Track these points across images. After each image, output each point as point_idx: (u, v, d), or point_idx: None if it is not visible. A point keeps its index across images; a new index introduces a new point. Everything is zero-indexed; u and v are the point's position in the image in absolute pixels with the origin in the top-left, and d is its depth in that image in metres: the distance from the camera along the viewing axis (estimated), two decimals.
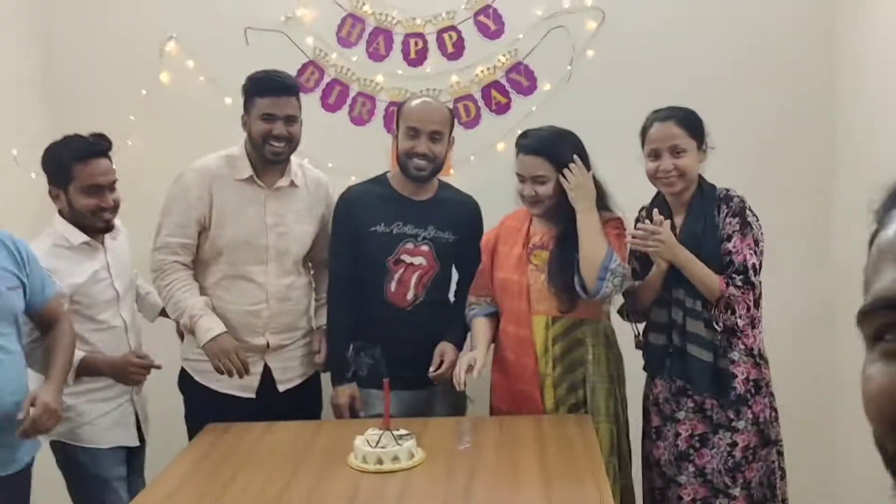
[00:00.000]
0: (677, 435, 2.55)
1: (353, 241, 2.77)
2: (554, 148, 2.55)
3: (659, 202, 2.61)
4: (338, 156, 3.40)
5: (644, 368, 2.69)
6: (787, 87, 3.34)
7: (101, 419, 2.61)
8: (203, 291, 2.75)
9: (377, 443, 2.26)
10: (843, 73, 3.26)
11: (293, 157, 2.83)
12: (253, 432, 2.57)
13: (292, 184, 2.81)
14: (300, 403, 2.88)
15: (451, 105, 3.40)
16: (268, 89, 2.66)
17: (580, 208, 2.51)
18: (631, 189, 2.67)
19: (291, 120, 2.71)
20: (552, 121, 3.28)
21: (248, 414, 2.69)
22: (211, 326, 2.65)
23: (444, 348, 2.71)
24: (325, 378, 2.99)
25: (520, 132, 2.75)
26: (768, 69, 3.34)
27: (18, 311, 2.29)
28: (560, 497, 2.09)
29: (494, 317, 2.72)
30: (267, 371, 2.81)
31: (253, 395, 2.79)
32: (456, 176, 3.37)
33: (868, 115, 3.06)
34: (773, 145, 3.36)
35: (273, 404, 2.78)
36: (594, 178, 2.58)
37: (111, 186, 2.55)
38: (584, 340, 2.60)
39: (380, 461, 2.23)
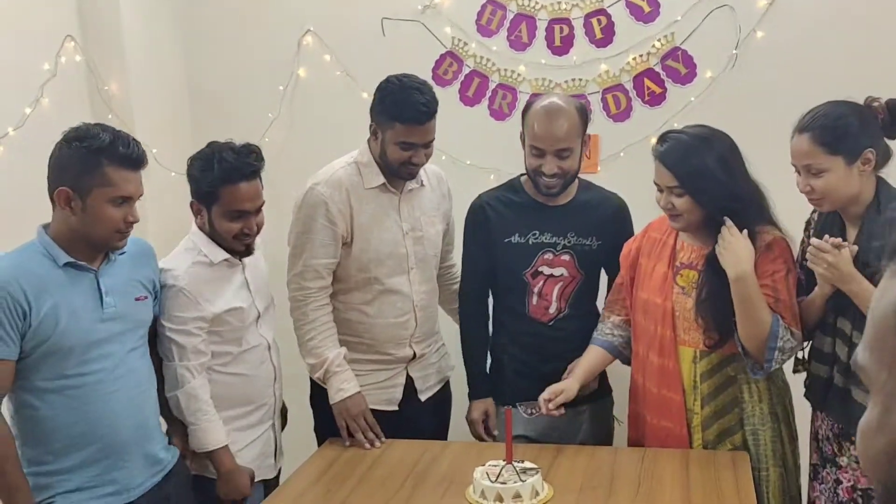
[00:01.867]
0: (838, 482, 2.18)
1: (486, 254, 2.57)
2: (687, 160, 2.17)
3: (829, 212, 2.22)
4: (477, 152, 3.24)
5: (805, 396, 2.32)
6: None
7: (246, 451, 2.42)
8: (345, 308, 2.63)
9: (497, 477, 2.05)
10: None
11: None
12: (372, 451, 2.44)
13: (421, 183, 2.65)
14: (437, 411, 2.77)
15: (599, 95, 3.15)
16: (410, 118, 2.42)
17: (732, 276, 2.13)
18: (801, 198, 2.24)
19: (429, 144, 2.52)
20: (714, 113, 2.96)
21: (388, 426, 2.58)
22: (342, 387, 2.52)
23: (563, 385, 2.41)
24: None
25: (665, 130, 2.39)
26: None
27: (146, 324, 2.22)
28: None
29: (614, 350, 2.43)
30: (409, 381, 2.69)
31: (396, 408, 2.67)
32: (604, 174, 3.11)
33: None
34: None
35: (413, 414, 2.67)
36: (754, 184, 2.22)
37: (257, 210, 2.36)
38: (736, 378, 2.26)
39: (500, 498, 2.03)
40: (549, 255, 2.52)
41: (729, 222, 2.16)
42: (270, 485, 2.52)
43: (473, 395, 2.61)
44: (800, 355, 2.32)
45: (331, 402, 2.53)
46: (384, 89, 2.48)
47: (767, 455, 2.25)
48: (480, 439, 2.57)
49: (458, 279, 2.75)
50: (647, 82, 3.12)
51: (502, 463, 2.12)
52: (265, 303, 2.48)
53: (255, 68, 3.40)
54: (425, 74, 3.21)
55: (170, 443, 2.28)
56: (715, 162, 2.16)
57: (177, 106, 3.43)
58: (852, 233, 2.13)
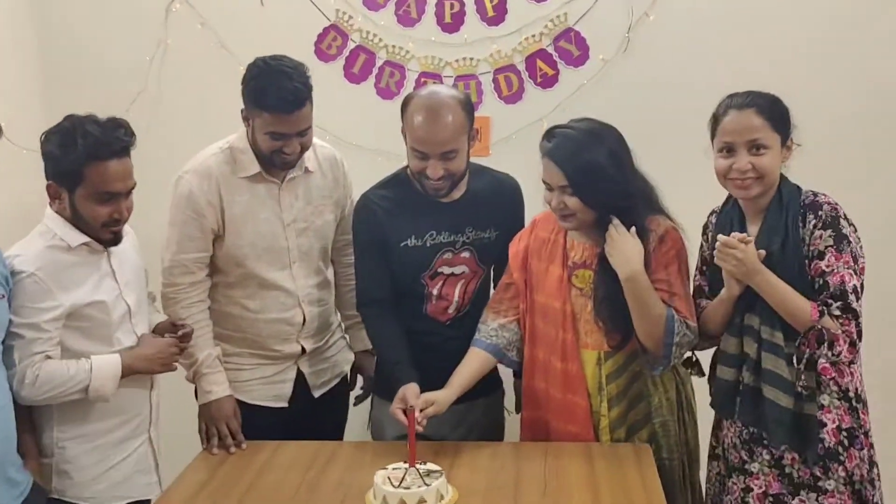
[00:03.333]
0: (747, 490, 2.13)
1: (381, 259, 2.37)
2: (578, 158, 2.06)
3: (731, 206, 2.19)
4: (363, 133, 3.08)
5: (711, 406, 2.27)
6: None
7: (115, 470, 2.16)
8: (226, 301, 2.44)
9: (400, 482, 1.92)
10: None
11: None
12: (260, 454, 2.24)
13: (306, 170, 2.44)
14: (332, 408, 2.62)
15: (490, 76, 3.04)
16: (275, 107, 2.20)
17: (622, 277, 2.06)
18: (696, 187, 2.21)
19: (304, 133, 2.30)
20: (606, 97, 2.94)
21: (278, 424, 2.43)
22: (210, 389, 2.36)
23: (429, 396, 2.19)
24: None
25: (546, 127, 2.22)
26: (866, 45, 2.90)
27: (4, 328, 1.93)
28: None
29: (498, 352, 2.30)
30: (300, 377, 2.52)
31: (285, 405, 2.50)
32: (495, 157, 3.00)
33: None
34: (872, 140, 2.93)
35: (305, 411, 2.51)
36: (642, 177, 2.15)
37: (128, 193, 2.09)
38: (641, 372, 2.20)
39: None
40: (448, 255, 2.38)
41: (616, 221, 2.08)
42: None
43: (399, 383, 2.24)
44: (692, 357, 2.30)
45: (198, 403, 2.37)
46: (250, 73, 2.26)
47: (676, 443, 2.21)
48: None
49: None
50: (540, 63, 3.04)
51: (404, 466, 1.98)
52: (137, 296, 2.21)
53: (118, 37, 3.10)
54: (307, 49, 3.05)
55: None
56: (606, 158, 2.07)
57: (26, 74, 3.06)
58: (752, 229, 2.10)
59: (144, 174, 2.42)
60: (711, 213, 2.27)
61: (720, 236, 2.04)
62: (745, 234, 2.02)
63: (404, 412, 2.10)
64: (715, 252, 2.05)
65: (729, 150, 2.06)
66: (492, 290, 2.46)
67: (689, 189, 2.25)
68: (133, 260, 2.25)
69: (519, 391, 2.52)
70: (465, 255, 2.39)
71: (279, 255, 2.41)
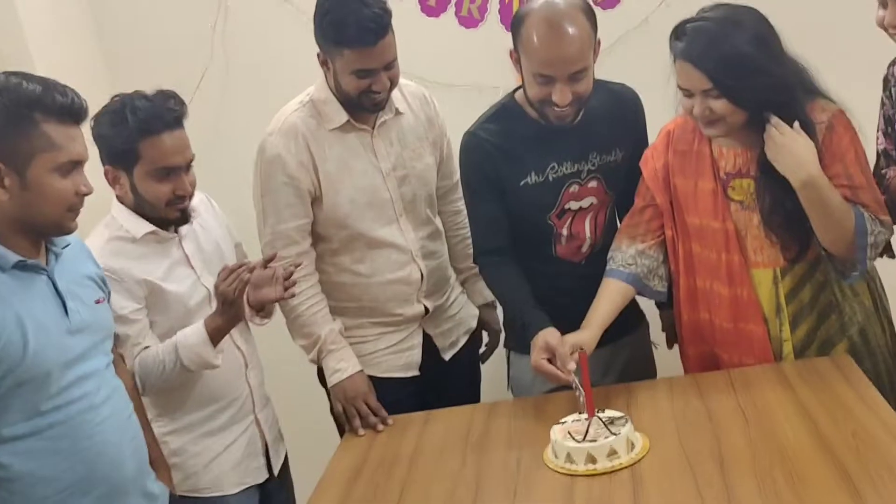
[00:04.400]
0: None
1: (499, 203, 2.10)
2: (719, 53, 1.76)
3: None
4: (450, 70, 2.80)
5: None
6: None
7: (224, 457, 2.05)
8: (335, 270, 2.24)
9: (585, 435, 1.67)
10: None
11: None
12: (410, 428, 2.02)
13: (397, 112, 2.21)
14: (464, 369, 2.43)
15: None
16: (358, 39, 1.98)
17: (797, 184, 1.77)
18: (860, 56, 1.91)
19: (392, 65, 2.07)
20: None
21: (412, 394, 2.25)
22: (339, 367, 2.17)
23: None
24: None
25: (674, 21, 1.87)
26: None
27: (111, 332, 1.76)
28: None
29: (637, 282, 2.03)
30: (427, 340, 2.32)
31: (417, 373, 2.31)
32: (599, 74, 2.69)
33: None
34: None
35: (439, 377, 2.32)
36: (794, 60, 1.83)
37: (188, 166, 1.94)
38: (827, 280, 1.91)
39: (592, 460, 1.65)
40: (574, 188, 2.10)
41: (775, 120, 1.78)
42: (270, 490, 2.13)
43: (533, 330, 1.98)
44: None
45: (328, 385, 2.18)
46: (321, 7, 2.03)
47: (879, 349, 1.93)
48: (556, 380, 1.95)
49: (468, 231, 2.29)
50: None
51: (583, 417, 1.74)
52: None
53: (176, 5, 2.87)
54: None
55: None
56: (752, 47, 1.76)
57: (86, 59, 2.85)
58: None
59: (223, 149, 2.23)
60: (892, 64, 1.94)
61: None
62: None
63: (550, 362, 1.87)
64: None
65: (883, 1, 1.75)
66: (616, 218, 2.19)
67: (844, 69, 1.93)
68: (216, 238, 2.08)
69: (670, 323, 2.26)
70: (593, 184, 2.11)
71: (383, 209, 2.19)
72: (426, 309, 2.28)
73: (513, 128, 2.08)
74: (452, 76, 2.79)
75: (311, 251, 2.20)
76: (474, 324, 2.46)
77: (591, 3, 1.99)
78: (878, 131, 1.97)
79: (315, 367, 2.27)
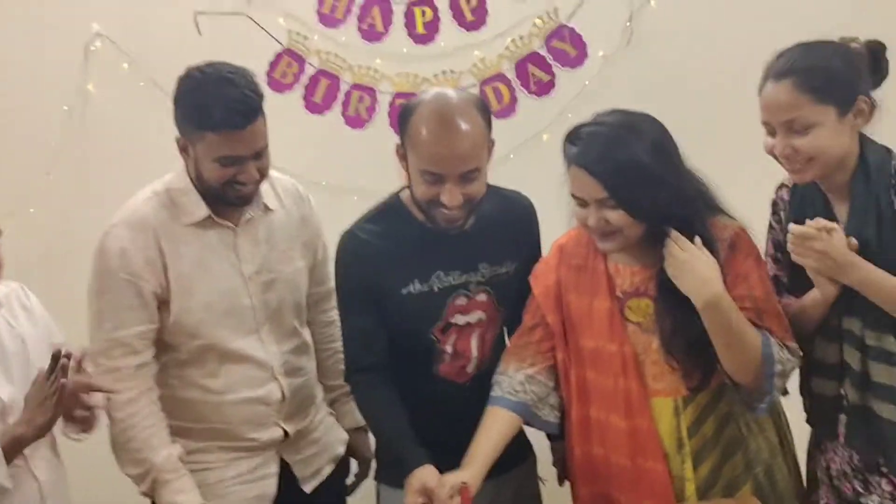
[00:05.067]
0: None
1: (375, 313, 1.86)
2: (615, 160, 1.61)
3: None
4: (333, 170, 2.64)
5: (809, 423, 1.83)
6: None
7: None
8: (181, 384, 1.94)
9: None
10: None
11: None
12: None
13: (266, 208, 1.97)
14: (328, 502, 2.13)
15: (477, 88, 2.64)
16: (223, 122, 1.76)
17: (700, 304, 1.59)
18: (739, 186, 1.77)
19: (260, 155, 1.84)
20: (613, 99, 2.51)
21: None
22: (176, 499, 1.87)
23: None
24: None
25: (568, 129, 1.72)
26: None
27: None
28: None
29: (527, 412, 1.81)
30: (285, 468, 2.02)
31: None
32: (492, 181, 2.54)
33: None
34: None
35: None
36: (694, 173, 1.70)
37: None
38: (732, 412, 1.73)
39: None
40: (461, 301, 1.88)
41: (675, 234, 1.62)
42: None
43: (408, 467, 1.77)
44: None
45: None
46: (184, 86, 1.81)
47: (787, 490, 1.76)
48: None
49: (341, 345, 2.01)
50: (532, 68, 2.64)
51: None
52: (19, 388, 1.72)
53: (29, 85, 2.63)
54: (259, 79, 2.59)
55: None
56: (651, 156, 1.61)
57: None
58: (841, 209, 1.68)
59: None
60: (780, 187, 1.83)
61: (792, 226, 1.61)
62: (824, 220, 1.60)
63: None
64: (789, 247, 1.62)
65: (770, 128, 1.66)
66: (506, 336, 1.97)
67: (733, 188, 1.79)
68: (23, 335, 1.81)
69: (560, 456, 2.02)
70: (482, 297, 1.89)
71: (242, 317, 1.91)
72: (285, 433, 1.99)
73: (397, 229, 1.87)
74: (335, 178, 2.61)
75: (153, 363, 1.90)
76: (342, 450, 2.16)
77: (482, 100, 1.83)
78: (766, 257, 1.84)
79: None
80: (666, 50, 2.60)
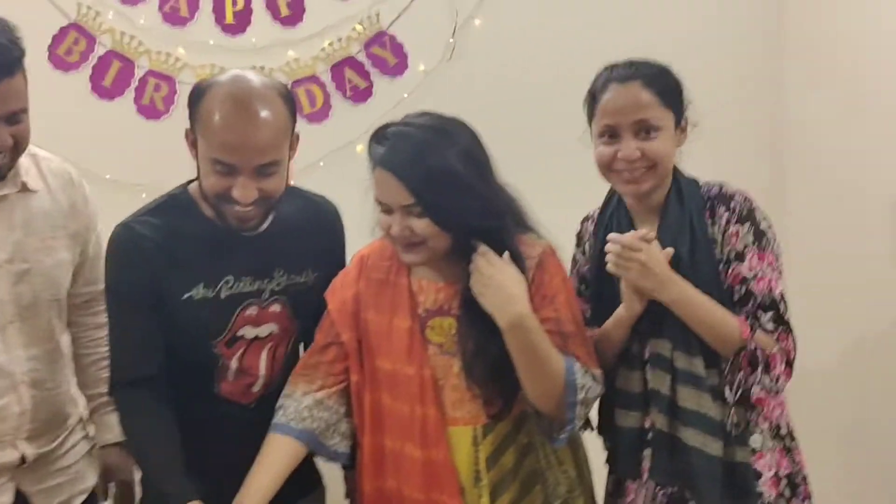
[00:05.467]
0: None
1: (150, 319, 1.64)
2: (424, 165, 1.50)
3: (614, 208, 1.74)
4: (120, 163, 2.37)
5: (608, 463, 1.78)
6: (728, 76, 2.62)
7: None
8: None
9: None
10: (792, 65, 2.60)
11: None
12: None
13: (25, 188, 1.70)
14: None
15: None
16: None
17: (504, 323, 1.51)
18: (547, 204, 1.71)
19: (16, 118, 1.60)
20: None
21: None
22: None
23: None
24: None
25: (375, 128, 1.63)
26: (708, 51, 2.59)
27: None
28: None
29: (313, 440, 1.66)
30: (20, 500, 1.72)
31: None
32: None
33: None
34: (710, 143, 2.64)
35: None
36: (504, 186, 1.64)
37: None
38: (532, 443, 1.65)
39: None
40: (252, 311, 1.69)
41: (483, 248, 1.54)
42: None
43: (179, 501, 1.57)
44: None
45: None
46: None
47: None
48: None
49: (108, 351, 1.76)
50: (350, 73, 2.49)
51: None
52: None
53: None
54: (39, 55, 2.30)
55: None
56: (462, 163, 1.51)
57: None
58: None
59: None
60: (585, 220, 1.81)
61: (613, 235, 1.57)
62: (646, 230, 1.57)
63: None
64: (609, 258, 1.57)
65: (612, 134, 1.62)
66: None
67: (548, 210, 1.75)
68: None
69: (351, 486, 1.87)
70: (276, 308, 1.71)
71: None
72: (23, 458, 1.71)
73: (181, 226, 1.64)
74: (122, 172, 2.35)
75: None
76: (92, 483, 1.89)
77: (289, 89, 1.65)
78: None
79: None
80: (487, 69, 2.54)
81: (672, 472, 1.62)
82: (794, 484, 1.63)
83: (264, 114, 1.52)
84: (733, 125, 2.58)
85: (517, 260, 1.54)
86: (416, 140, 1.51)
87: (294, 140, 1.64)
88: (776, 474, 1.61)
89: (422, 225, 1.51)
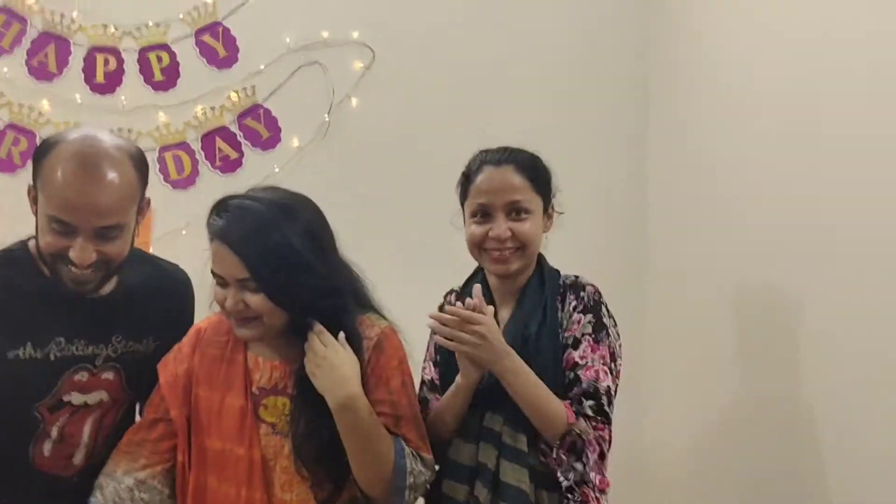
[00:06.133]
0: None
1: None
2: (263, 241, 1.49)
3: (479, 282, 1.76)
4: None
5: None
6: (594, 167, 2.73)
7: None
8: None
9: None
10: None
11: None
12: None
13: None
14: None
15: (156, 154, 2.41)
16: None
17: (334, 405, 1.49)
18: (408, 284, 1.80)
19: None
20: (301, 189, 2.44)
21: None
22: None
23: None
24: None
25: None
26: (576, 116, 2.70)
27: None
28: None
29: None
30: None
31: None
32: (160, 255, 2.31)
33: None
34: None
35: None
36: (346, 263, 1.63)
37: None
38: None
39: None
40: (82, 376, 1.62)
41: (318, 328, 1.53)
42: None
43: None
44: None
45: None
46: None
47: None
48: None
49: None
50: (220, 143, 2.47)
51: None
52: None
53: None
54: None
55: None
56: (302, 240, 1.51)
57: None
58: (503, 314, 1.71)
59: None
60: (450, 293, 1.83)
61: (451, 308, 1.58)
62: (479, 298, 1.58)
63: None
64: (445, 330, 1.57)
65: (484, 213, 1.67)
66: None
67: (416, 286, 1.78)
68: None
69: None
70: (109, 375, 1.64)
71: None
72: None
73: (14, 281, 1.57)
74: None
75: None
76: None
77: (141, 152, 1.61)
78: (425, 361, 1.81)
79: None
80: (361, 148, 2.56)
81: None
82: None
83: (110, 175, 1.49)
84: (597, 214, 2.67)
85: (353, 340, 1.54)
86: (255, 214, 1.49)
87: (145, 205, 1.61)
88: None
89: (256, 300, 1.49)
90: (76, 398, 1.61)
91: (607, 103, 2.73)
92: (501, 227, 1.65)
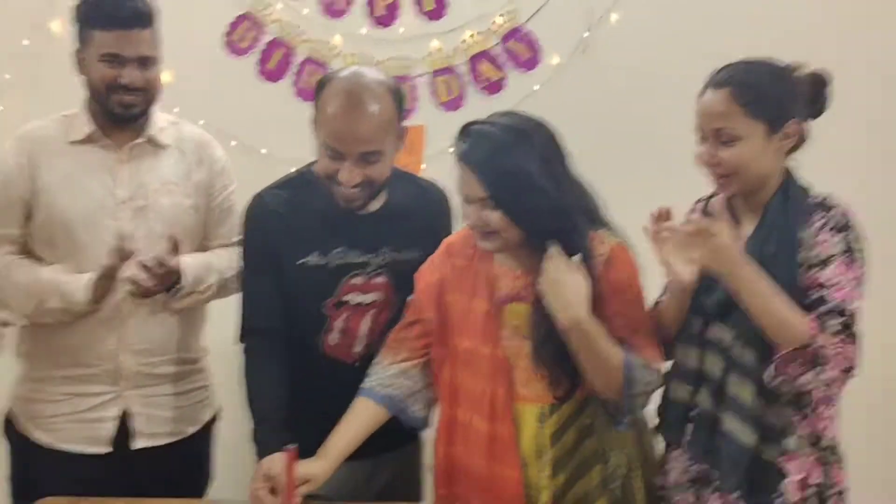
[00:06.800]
0: None
1: (273, 278, 1.88)
2: (500, 163, 1.62)
3: (713, 201, 1.79)
4: (277, 139, 2.62)
5: (656, 429, 1.85)
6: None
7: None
8: None
9: None
10: None
11: (160, 113, 2.04)
12: None
13: (153, 141, 2.00)
14: (174, 468, 2.06)
15: (429, 78, 2.63)
16: (110, 19, 1.86)
17: (562, 325, 1.62)
18: (669, 194, 1.78)
19: (147, 62, 1.91)
20: (560, 107, 2.52)
21: (98, 478, 1.91)
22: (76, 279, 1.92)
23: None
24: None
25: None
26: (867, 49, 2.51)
27: None
28: None
29: (395, 406, 1.83)
30: (125, 417, 2.01)
31: (110, 448, 1.98)
32: (430, 172, 2.56)
33: None
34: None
35: (135, 464, 2.00)
36: (579, 185, 1.72)
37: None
38: (593, 425, 1.75)
39: None
40: (358, 280, 1.91)
41: (553, 251, 1.64)
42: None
43: (261, 452, 1.82)
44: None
45: (82, 298, 1.89)
46: None
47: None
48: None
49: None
50: (485, 65, 2.64)
51: None
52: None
53: None
54: (216, 41, 2.63)
55: None
56: (536, 164, 1.63)
57: None
58: (746, 229, 1.70)
59: None
60: (698, 202, 1.86)
61: (692, 217, 1.68)
62: (718, 208, 1.67)
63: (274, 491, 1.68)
64: (677, 238, 1.64)
65: (702, 136, 1.68)
66: None
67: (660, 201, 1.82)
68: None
69: None
70: (380, 280, 1.92)
71: (104, 237, 1.91)
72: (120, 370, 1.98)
73: (304, 199, 1.88)
74: (277, 148, 2.61)
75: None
76: (192, 429, 2.12)
77: (399, 87, 1.83)
78: None
79: None
80: (618, 65, 2.59)
81: (704, 451, 1.69)
82: (824, 497, 1.63)
83: (371, 108, 1.72)
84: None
85: (586, 258, 1.65)
86: (494, 139, 1.63)
87: (403, 132, 1.83)
88: (804, 480, 1.63)
89: (495, 217, 1.64)
90: (353, 298, 1.90)
91: None
92: (707, 153, 1.66)
